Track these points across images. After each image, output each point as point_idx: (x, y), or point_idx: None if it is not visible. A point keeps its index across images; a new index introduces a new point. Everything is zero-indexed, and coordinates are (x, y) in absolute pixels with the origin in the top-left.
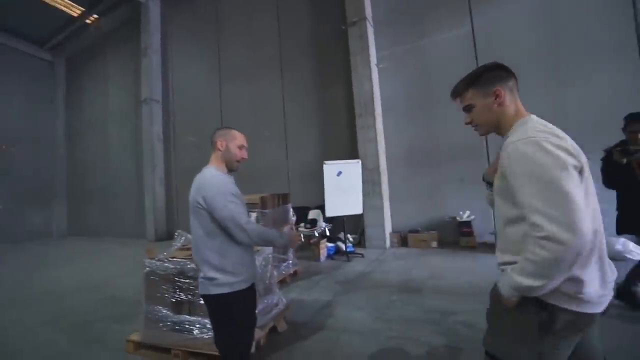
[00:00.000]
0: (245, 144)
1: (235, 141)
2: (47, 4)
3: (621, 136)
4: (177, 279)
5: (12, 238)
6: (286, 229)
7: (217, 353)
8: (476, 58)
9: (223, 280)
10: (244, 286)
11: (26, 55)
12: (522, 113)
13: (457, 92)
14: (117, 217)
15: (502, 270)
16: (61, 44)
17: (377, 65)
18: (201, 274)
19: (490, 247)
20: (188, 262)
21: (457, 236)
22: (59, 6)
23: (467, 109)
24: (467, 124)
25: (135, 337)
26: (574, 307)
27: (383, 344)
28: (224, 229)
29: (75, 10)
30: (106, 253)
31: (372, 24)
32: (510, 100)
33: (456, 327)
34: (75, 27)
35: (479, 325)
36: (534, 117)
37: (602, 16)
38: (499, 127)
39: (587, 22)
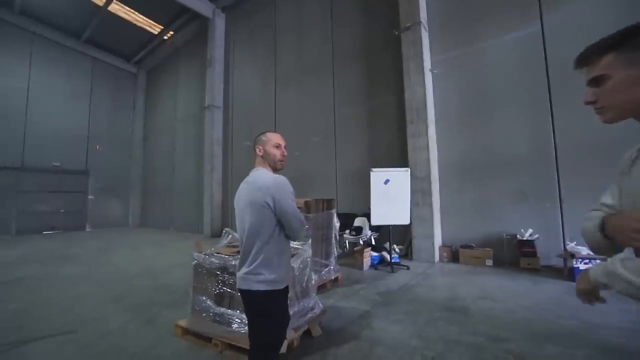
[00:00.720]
0: (281, 142)
1: (270, 142)
2: (134, 25)
3: None
4: (219, 273)
5: (97, 224)
6: None
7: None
8: (545, 60)
9: (268, 277)
10: (282, 286)
11: (114, 68)
12: None
13: (588, 56)
14: (180, 212)
15: None
16: (143, 58)
17: (431, 70)
18: (245, 269)
19: (557, 271)
20: (231, 259)
21: (516, 256)
22: (143, 26)
23: (596, 81)
24: (587, 103)
25: (182, 322)
26: None
27: None
28: (282, 229)
29: (156, 29)
30: (168, 244)
31: (426, 28)
32: None
33: (505, 357)
34: (155, 44)
35: (529, 357)
36: None
37: None
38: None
39: None
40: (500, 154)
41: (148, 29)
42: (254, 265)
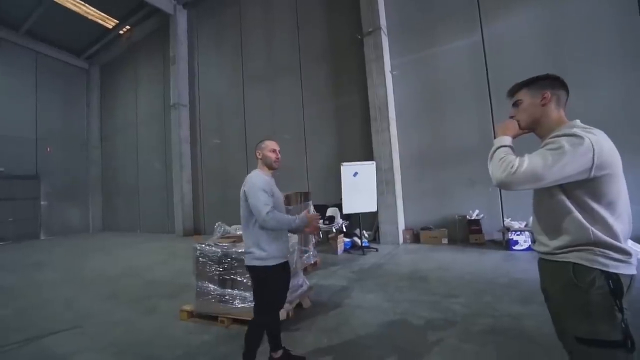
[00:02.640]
0: (275, 147)
1: (267, 148)
2: (85, 18)
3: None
4: (222, 260)
5: (54, 232)
6: (303, 213)
7: None
8: (486, 66)
9: (257, 255)
10: (274, 262)
11: (63, 63)
12: (565, 122)
13: (513, 90)
14: (147, 214)
15: (551, 254)
16: (96, 53)
17: (391, 72)
18: (244, 250)
19: (498, 244)
20: (232, 247)
21: (466, 234)
22: (95, 19)
23: (515, 104)
24: (510, 117)
25: (187, 307)
26: (629, 271)
27: (390, 317)
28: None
29: (110, 23)
30: (140, 246)
31: (386, 33)
32: (555, 107)
33: (454, 307)
34: (109, 38)
35: (474, 306)
36: (578, 121)
37: (608, 25)
38: (537, 127)
39: (593, 30)
40: (452, 146)
41: (101, 22)
42: (249, 245)
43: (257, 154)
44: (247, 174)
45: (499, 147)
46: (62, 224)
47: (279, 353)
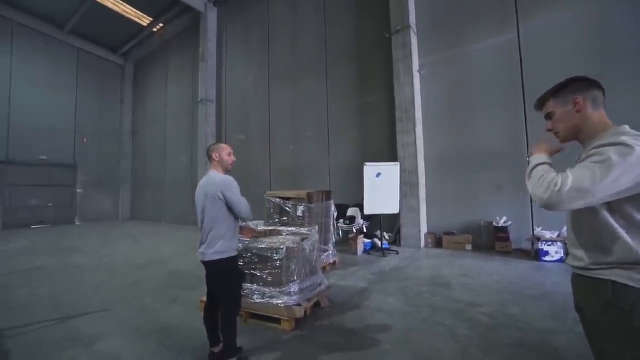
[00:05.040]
0: (231, 150)
1: (224, 151)
2: (122, 16)
3: None
4: (242, 254)
5: (87, 218)
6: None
7: (271, 315)
8: (521, 65)
9: (221, 249)
10: (234, 253)
11: (101, 59)
12: (608, 123)
13: (540, 102)
14: (173, 205)
15: (590, 269)
16: (131, 50)
17: (419, 71)
18: (205, 245)
19: (525, 253)
20: (253, 241)
21: (492, 241)
22: (131, 17)
23: (548, 116)
24: (548, 130)
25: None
26: None
27: (410, 322)
28: (230, 213)
29: (145, 20)
30: (164, 235)
31: (415, 31)
32: (593, 109)
33: (477, 316)
34: (143, 35)
35: (499, 317)
36: (626, 127)
37: None
38: (580, 135)
39: (637, 31)
40: (479, 149)
41: (137, 20)
42: (212, 241)
43: (214, 155)
44: (270, 171)
45: (536, 165)
46: (95, 211)
47: (219, 347)
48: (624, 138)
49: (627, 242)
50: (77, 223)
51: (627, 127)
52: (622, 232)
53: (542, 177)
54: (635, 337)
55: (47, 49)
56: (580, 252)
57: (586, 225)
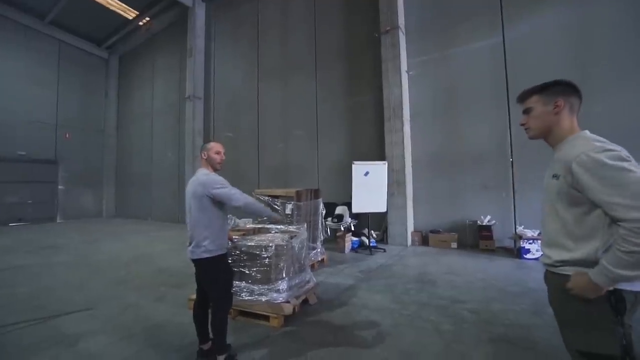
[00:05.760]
0: (220, 149)
1: (212, 150)
2: (106, 8)
3: None
4: (231, 252)
5: (70, 215)
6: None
7: (260, 312)
8: (505, 69)
9: (210, 247)
10: (224, 251)
11: (84, 52)
12: (577, 130)
13: (524, 96)
14: (158, 203)
15: (554, 266)
16: (116, 43)
17: (407, 72)
18: (194, 244)
19: (508, 251)
20: (241, 240)
21: (476, 239)
22: (116, 10)
23: (526, 111)
24: (521, 124)
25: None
26: (635, 288)
27: (397, 319)
28: (218, 212)
29: (130, 14)
30: (151, 233)
31: (404, 32)
32: (568, 115)
33: (462, 313)
34: (129, 29)
35: (483, 314)
36: (587, 132)
37: (637, 29)
38: (549, 135)
39: (621, 34)
40: (466, 149)
41: (122, 13)
42: (200, 239)
43: (203, 154)
44: (258, 169)
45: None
46: (77, 208)
47: (209, 344)
48: (602, 144)
49: (589, 242)
50: (58, 221)
51: (587, 132)
52: (584, 233)
53: (628, 260)
54: (588, 321)
55: (27, 40)
56: (548, 251)
57: (551, 225)
